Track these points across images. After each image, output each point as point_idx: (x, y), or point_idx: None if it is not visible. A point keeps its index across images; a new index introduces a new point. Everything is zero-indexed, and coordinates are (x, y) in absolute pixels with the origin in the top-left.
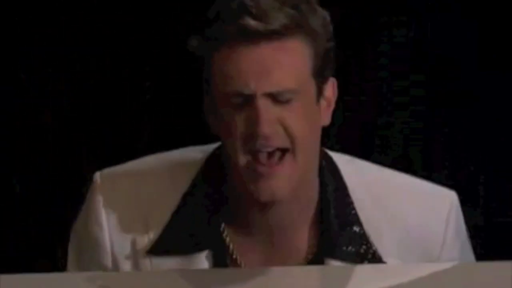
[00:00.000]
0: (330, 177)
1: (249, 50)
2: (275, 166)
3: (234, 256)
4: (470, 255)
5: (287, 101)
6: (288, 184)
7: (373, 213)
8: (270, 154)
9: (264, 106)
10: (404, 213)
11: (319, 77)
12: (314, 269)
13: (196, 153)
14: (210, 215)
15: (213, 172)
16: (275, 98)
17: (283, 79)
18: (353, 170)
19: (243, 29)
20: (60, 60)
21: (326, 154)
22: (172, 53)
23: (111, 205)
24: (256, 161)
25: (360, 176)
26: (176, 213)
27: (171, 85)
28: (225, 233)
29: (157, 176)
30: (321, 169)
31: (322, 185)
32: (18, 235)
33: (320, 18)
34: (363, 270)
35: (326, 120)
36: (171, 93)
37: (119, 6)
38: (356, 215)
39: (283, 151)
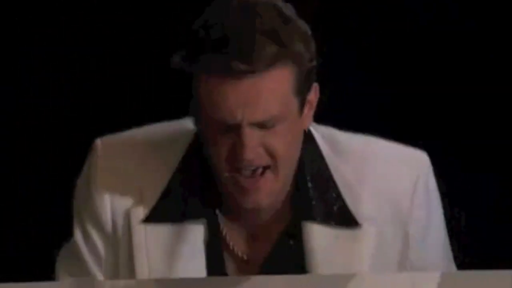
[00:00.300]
0: (307, 150)
1: (235, 84)
2: (258, 181)
3: (221, 230)
4: (440, 220)
5: (271, 126)
6: (270, 195)
7: (348, 177)
8: (253, 171)
9: (249, 134)
10: (377, 175)
11: (302, 94)
12: (310, 277)
13: (190, 125)
14: (204, 186)
15: (200, 153)
16: (260, 125)
17: (269, 108)
18: (329, 138)
19: (229, 69)
20: (60, 60)
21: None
22: (172, 53)
23: (110, 172)
24: (239, 175)
25: (335, 143)
26: (172, 183)
27: (171, 85)
28: (215, 207)
29: (153, 147)
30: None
31: (300, 159)
32: (18, 236)
33: (303, 39)
34: (356, 279)
35: (308, 123)
36: (172, 93)
37: (119, 6)
38: (331, 179)
39: (265, 167)
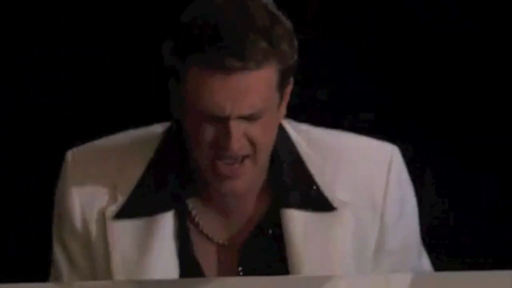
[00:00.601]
0: (281, 141)
1: (225, 79)
2: (237, 169)
3: (193, 217)
4: (413, 208)
5: (256, 119)
6: (248, 182)
7: (322, 168)
8: (234, 159)
9: (236, 126)
10: (350, 166)
11: (283, 88)
12: (288, 279)
13: (159, 128)
14: (174, 180)
15: (175, 143)
16: (246, 118)
17: (255, 103)
18: (302, 132)
19: (224, 65)
20: (60, 60)
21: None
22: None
23: (81, 177)
24: (220, 162)
25: (309, 137)
26: (142, 180)
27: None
28: (186, 196)
29: (124, 148)
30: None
31: (274, 149)
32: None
33: (289, 38)
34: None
35: (283, 113)
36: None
37: (119, 6)
38: (305, 168)
39: (245, 156)
